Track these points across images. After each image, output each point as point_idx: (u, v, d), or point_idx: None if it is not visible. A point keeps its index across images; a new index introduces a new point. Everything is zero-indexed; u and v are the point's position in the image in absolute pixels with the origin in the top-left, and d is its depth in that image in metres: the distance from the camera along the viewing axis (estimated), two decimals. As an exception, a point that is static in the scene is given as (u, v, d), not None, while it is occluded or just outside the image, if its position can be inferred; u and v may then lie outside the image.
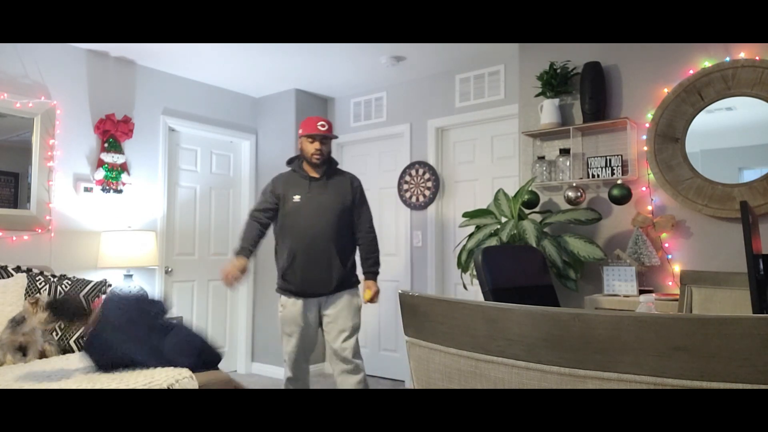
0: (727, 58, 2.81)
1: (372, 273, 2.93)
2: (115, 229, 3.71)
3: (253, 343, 4.75)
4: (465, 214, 3.30)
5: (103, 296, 2.54)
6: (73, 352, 2.95)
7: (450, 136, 4.28)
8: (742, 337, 0.44)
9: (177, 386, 2.28)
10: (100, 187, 3.67)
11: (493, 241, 3.03)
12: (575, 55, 3.32)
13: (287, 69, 4.18)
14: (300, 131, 2.90)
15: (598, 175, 3.09)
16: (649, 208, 3.03)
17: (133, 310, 2.42)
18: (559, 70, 3.25)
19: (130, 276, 3.58)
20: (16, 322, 2.61)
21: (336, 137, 3.02)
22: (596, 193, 3.21)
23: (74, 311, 2.40)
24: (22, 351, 2.62)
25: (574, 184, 3.17)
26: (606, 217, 3.17)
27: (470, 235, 3.16)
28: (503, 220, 3.17)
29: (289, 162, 2.99)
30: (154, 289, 3.93)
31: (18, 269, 3.06)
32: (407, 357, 0.67)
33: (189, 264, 4.28)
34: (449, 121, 4.20)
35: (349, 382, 2.83)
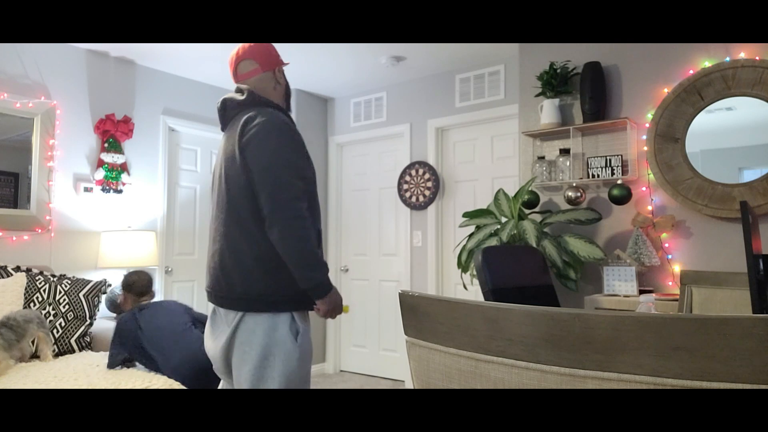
0: (727, 58, 2.81)
1: None
2: (115, 229, 3.71)
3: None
4: (465, 214, 3.30)
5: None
6: (73, 352, 2.95)
7: (450, 136, 4.28)
8: (742, 337, 0.44)
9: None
10: (100, 187, 3.67)
11: (493, 241, 3.03)
12: (575, 55, 3.32)
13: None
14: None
15: (598, 175, 3.08)
16: (649, 208, 3.03)
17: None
18: (559, 70, 3.25)
19: (130, 276, 3.58)
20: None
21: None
22: (596, 193, 3.21)
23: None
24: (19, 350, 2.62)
25: (574, 184, 3.17)
26: (606, 217, 3.17)
27: (470, 235, 3.16)
28: (503, 220, 3.17)
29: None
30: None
31: (18, 269, 3.06)
32: (407, 357, 0.67)
33: (189, 264, 4.28)
34: (449, 121, 4.20)
35: None
